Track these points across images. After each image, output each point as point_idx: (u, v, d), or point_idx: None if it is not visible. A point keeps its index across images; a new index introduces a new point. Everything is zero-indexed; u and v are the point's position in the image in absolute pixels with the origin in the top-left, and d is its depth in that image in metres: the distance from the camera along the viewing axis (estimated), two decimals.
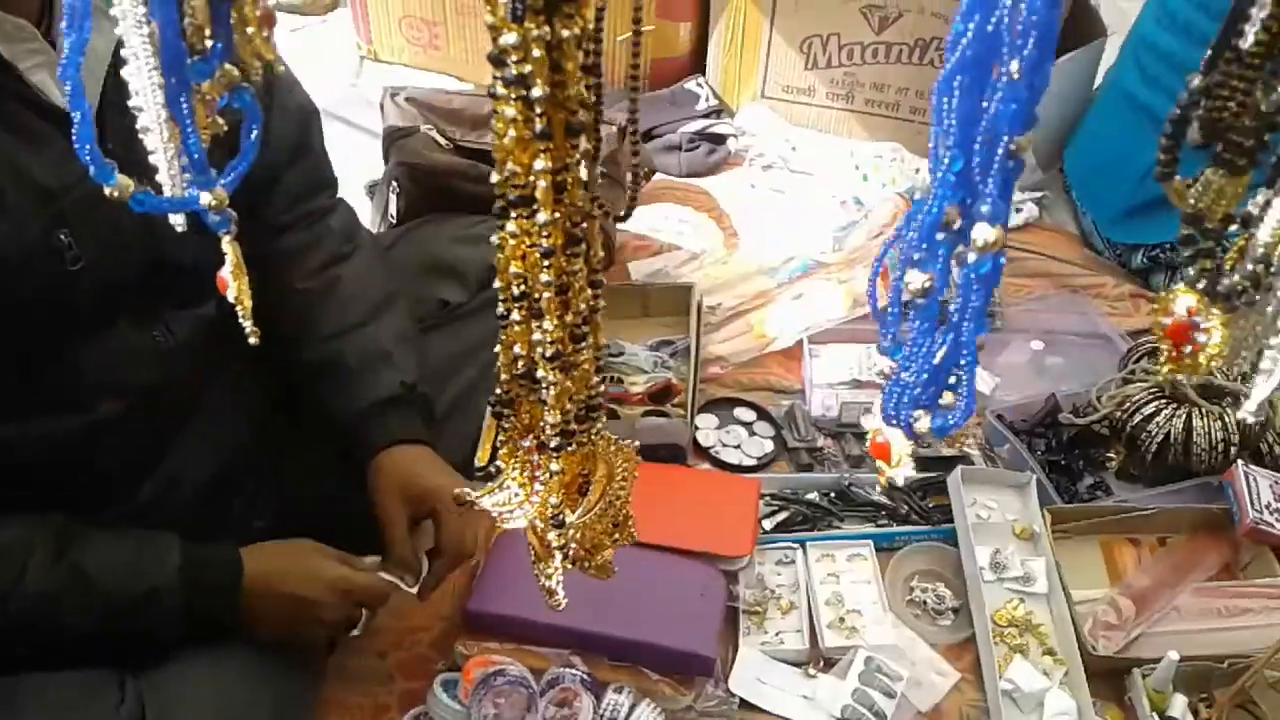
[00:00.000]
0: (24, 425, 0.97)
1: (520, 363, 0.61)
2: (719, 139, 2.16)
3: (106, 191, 0.45)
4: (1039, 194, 2.09)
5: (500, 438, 0.66)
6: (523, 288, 0.58)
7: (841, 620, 1.34)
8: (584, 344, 0.61)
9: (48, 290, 0.93)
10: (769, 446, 1.60)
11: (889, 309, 0.56)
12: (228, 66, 0.46)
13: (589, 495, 0.67)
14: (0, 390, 0.95)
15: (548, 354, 0.59)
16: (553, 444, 0.63)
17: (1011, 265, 1.89)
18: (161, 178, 0.47)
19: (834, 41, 2.12)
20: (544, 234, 0.55)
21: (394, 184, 1.59)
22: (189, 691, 1.02)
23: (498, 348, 0.61)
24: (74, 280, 0.94)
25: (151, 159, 0.47)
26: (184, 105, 0.44)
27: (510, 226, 0.56)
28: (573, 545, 0.69)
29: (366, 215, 1.76)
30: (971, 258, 0.47)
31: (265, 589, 1.06)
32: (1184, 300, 0.55)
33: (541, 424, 0.63)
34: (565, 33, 0.49)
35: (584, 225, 0.58)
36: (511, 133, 0.52)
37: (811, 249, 1.85)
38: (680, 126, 2.16)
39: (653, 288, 1.78)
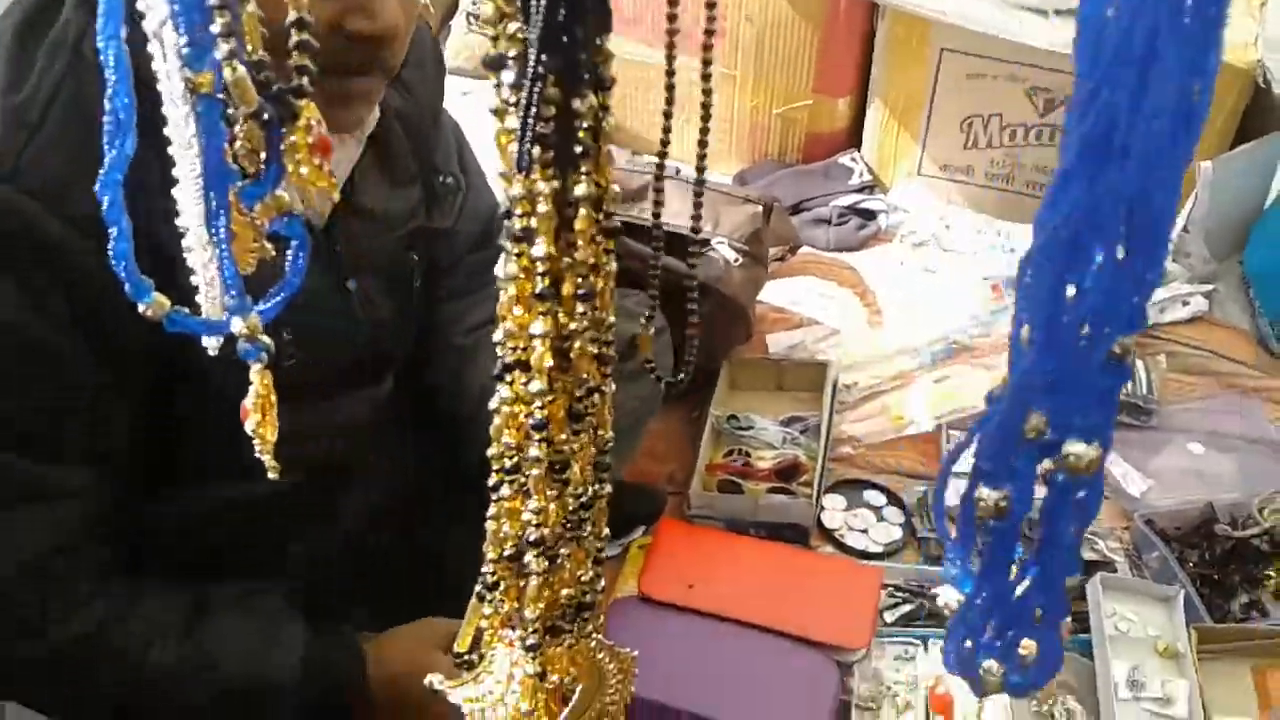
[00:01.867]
0: (217, 491, 1.01)
1: (509, 543, 0.55)
2: (870, 214, 2.13)
3: (140, 308, 0.44)
4: (1209, 286, 1.97)
5: (484, 624, 0.60)
6: (514, 459, 0.53)
7: None
8: (581, 532, 0.56)
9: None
10: (897, 534, 1.55)
11: (959, 528, 0.44)
12: (279, 193, 0.46)
13: (574, 701, 0.62)
14: (200, 461, 1.00)
15: (531, 538, 0.54)
16: (528, 642, 0.57)
17: (1174, 360, 1.80)
18: (201, 298, 0.47)
19: (995, 122, 2.07)
20: (538, 405, 0.50)
21: None
22: None
23: (489, 521, 0.56)
24: (280, 374, 0.98)
25: (193, 279, 0.47)
26: (221, 227, 0.44)
27: (504, 391, 0.52)
28: None
29: None
30: (1061, 479, 0.38)
31: (389, 690, 1.04)
32: None
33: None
34: (579, 190, 0.46)
35: (592, 400, 0.52)
36: (511, 289, 0.49)
37: (958, 332, 1.79)
38: (831, 200, 2.14)
39: (788, 362, 1.76)
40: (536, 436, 0.51)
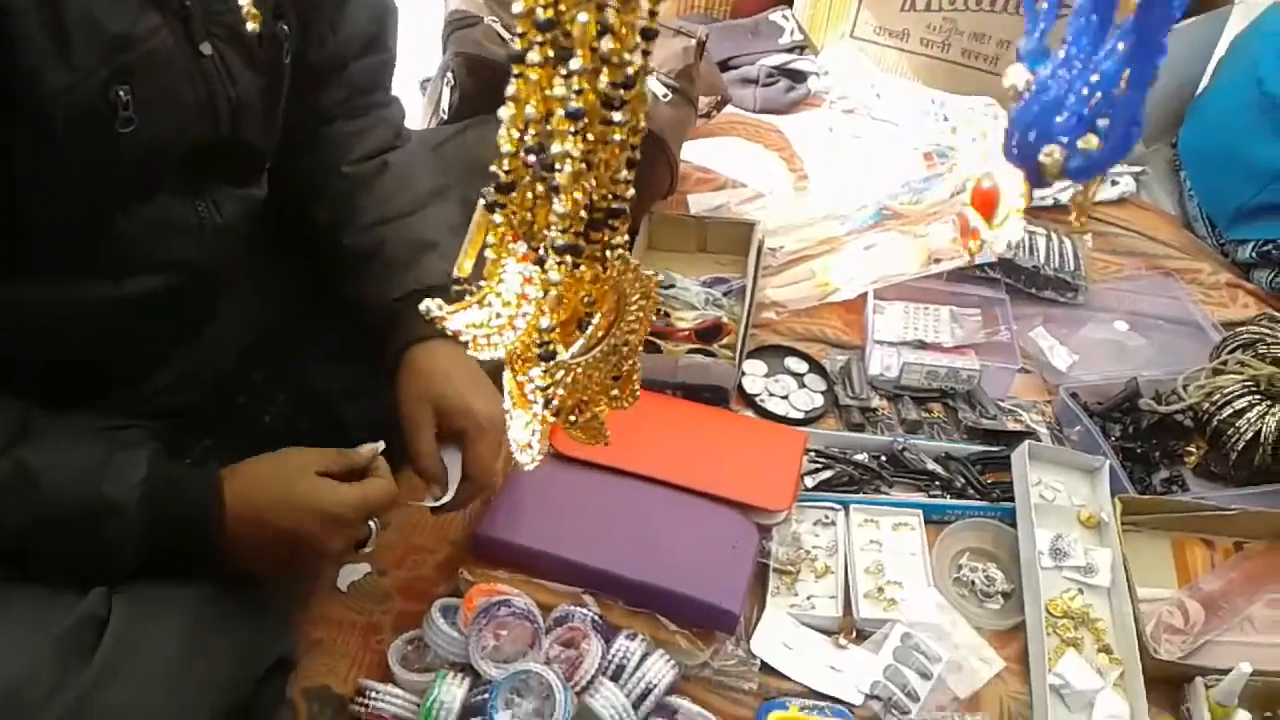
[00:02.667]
0: (59, 289, 0.90)
1: (532, 131, 0.46)
2: (799, 76, 2.03)
3: None
4: (1139, 169, 1.94)
5: (490, 239, 0.51)
6: (550, 13, 0.43)
7: (880, 591, 1.24)
8: (623, 111, 0.46)
9: (93, 148, 0.85)
10: (819, 401, 1.49)
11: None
12: None
13: (590, 329, 0.53)
14: (40, 251, 0.89)
15: (570, 108, 0.44)
16: (558, 244, 0.49)
17: (1100, 240, 1.77)
18: None
19: None
20: None
21: (449, 76, 1.48)
22: (163, 601, 0.91)
23: (502, 108, 0.46)
24: (120, 142, 0.85)
25: None
26: None
27: None
28: (560, 390, 0.55)
29: (418, 114, 1.66)
30: None
31: (251, 527, 0.93)
32: None
33: (548, 225, 0.48)
34: None
35: None
36: None
37: (889, 199, 1.72)
38: (759, 59, 2.03)
39: (712, 221, 1.67)
40: None
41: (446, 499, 1.06)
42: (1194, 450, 1.43)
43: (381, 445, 1.02)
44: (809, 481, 1.35)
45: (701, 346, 1.46)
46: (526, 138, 0.45)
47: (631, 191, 0.51)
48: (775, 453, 1.33)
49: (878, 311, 1.58)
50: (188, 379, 1.07)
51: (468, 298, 0.53)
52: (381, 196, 1.14)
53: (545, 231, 0.48)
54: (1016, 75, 0.44)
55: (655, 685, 1.09)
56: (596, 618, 1.12)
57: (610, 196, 0.49)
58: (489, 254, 0.51)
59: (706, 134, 1.91)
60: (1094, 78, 0.41)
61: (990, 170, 0.55)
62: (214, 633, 0.93)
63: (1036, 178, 0.45)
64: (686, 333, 1.49)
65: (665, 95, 1.48)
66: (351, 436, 1.03)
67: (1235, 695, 1.10)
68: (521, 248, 0.50)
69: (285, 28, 0.99)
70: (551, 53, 0.44)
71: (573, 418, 0.58)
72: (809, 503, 1.32)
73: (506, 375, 0.56)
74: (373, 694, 1.08)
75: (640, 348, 0.59)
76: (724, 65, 2.01)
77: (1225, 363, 1.44)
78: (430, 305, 0.57)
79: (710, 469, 1.28)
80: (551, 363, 0.51)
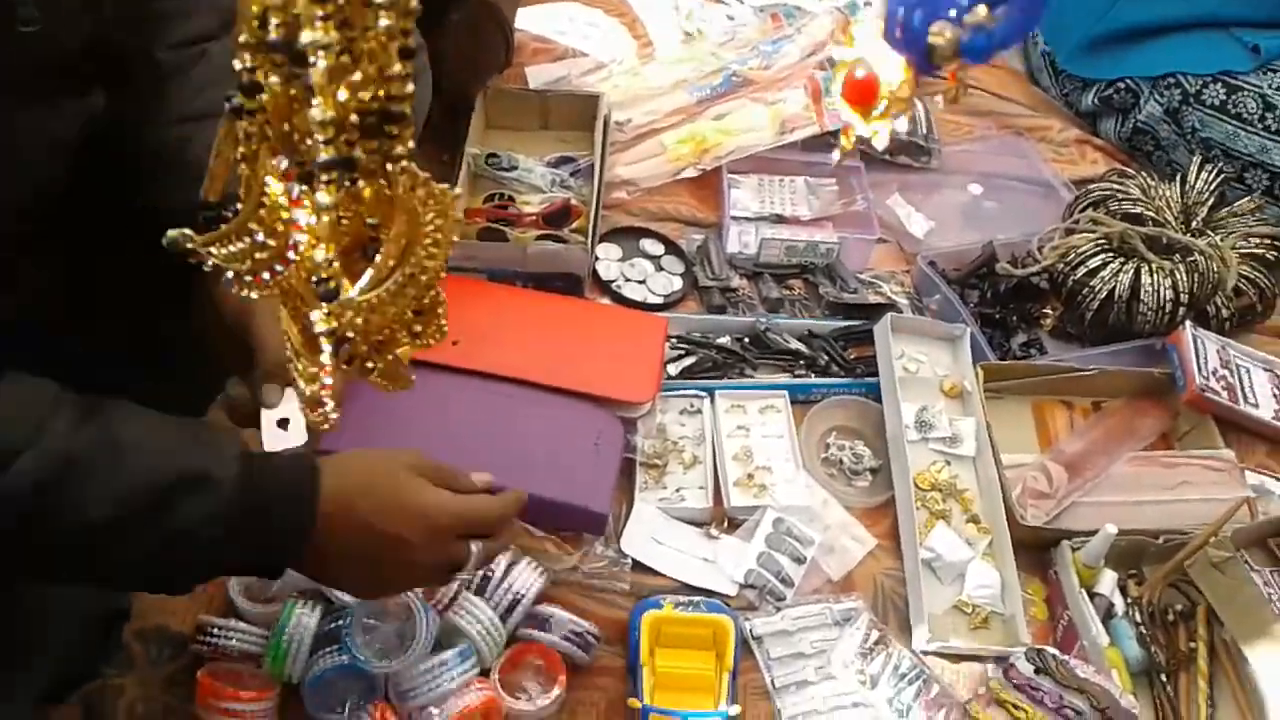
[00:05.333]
0: None
1: (276, 15, 0.36)
2: None
3: None
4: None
5: (240, 152, 0.42)
6: None
7: (750, 478, 1.20)
8: None
9: None
10: (677, 284, 1.43)
11: None
12: None
13: (378, 259, 0.44)
14: None
15: None
16: (322, 159, 0.40)
17: (947, 101, 1.72)
18: None
19: None
20: None
21: None
22: None
23: None
24: (23, 42, 0.76)
25: None
26: None
27: None
28: (349, 333, 0.46)
29: None
30: None
31: (345, 520, 0.80)
32: None
33: (308, 136, 0.39)
34: None
35: None
36: None
37: (738, 63, 1.63)
38: None
39: (553, 96, 1.56)
40: None
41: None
42: (1050, 312, 1.43)
43: (490, 478, 0.92)
44: (672, 369, 1.29)
45: (550, 232, 1.37)
46: (270, 24, 0.34)
47: (411, 88, 0.41)
48: (635, 341, 1.26)
49: (733, 186, 1.52)
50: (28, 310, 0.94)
51: (224, 226, 0.42)
52: (194, 88, 0.99)
53: (307, 143, 0.37)
54: None
55: (524, 595, 1.03)
56: None
57: (383, 97, 0.39)
58: (243, 171, 0.41)
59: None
60: None
61: (862, 56, 0.47)
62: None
63: (924, 61, 0.39)
64: (533, 218, 1.39)
65: None
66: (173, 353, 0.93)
67: (1101, 556, 1.11)
68: (283, 163, 0.39)
69: None
70: None
71: (369, 364, 0.48)
72: (673, 392, 1.26)
73: (284, 318, 0.46)
74: (215, 630, 0.99)
75: (443, 274, 0.50)
76: None
77: (1078, 222, 1.43)
78: (176, 236, 0.46)
79: (567, 363, 1.20)
80: (335, 303, 0.42)
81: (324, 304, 0.44)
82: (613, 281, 1.41)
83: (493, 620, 1.01)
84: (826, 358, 1.33)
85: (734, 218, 1.47)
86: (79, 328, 1.03)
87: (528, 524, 1.08)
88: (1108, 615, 1.11)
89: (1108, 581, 1.13)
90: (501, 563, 1.03)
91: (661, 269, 1.45)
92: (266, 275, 0.42)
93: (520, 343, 1.22)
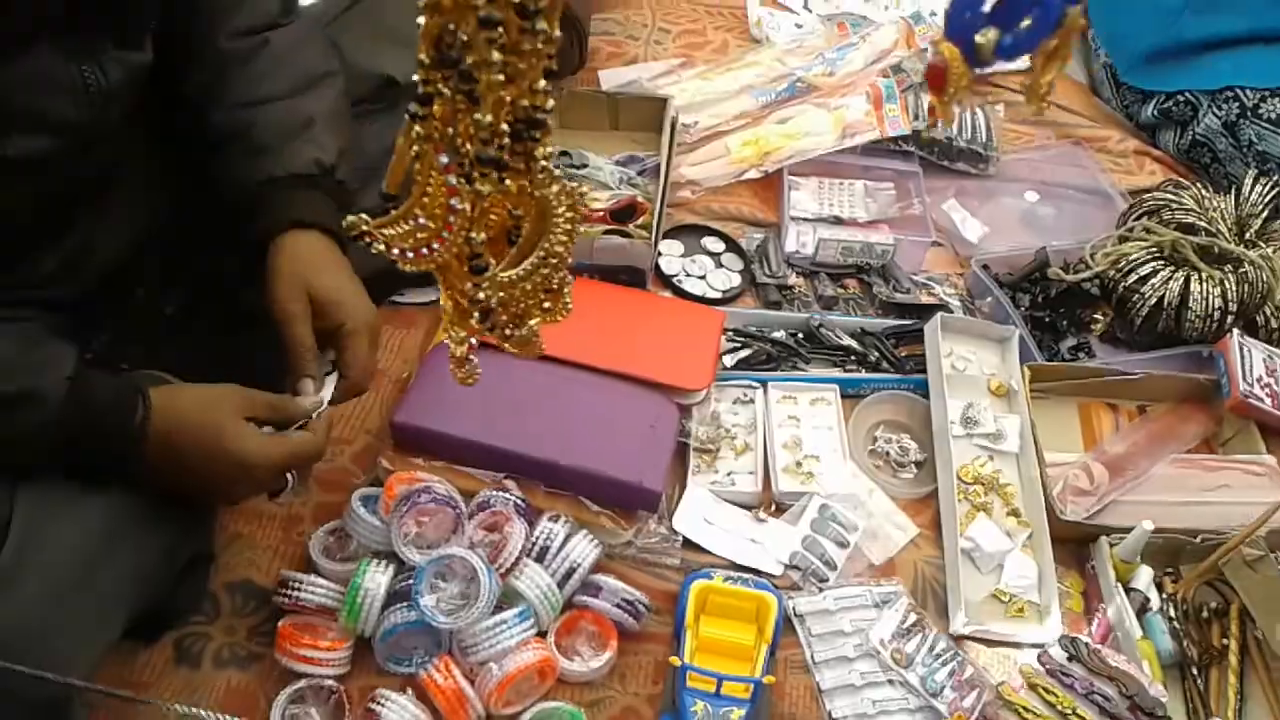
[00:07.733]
0: None
1: (449, 41, 0.45)
2: None
3: None
4: None
5: (414, 150, 0.50)
6: None
7: (798, 465, 1.25)
8: (535, 20, 0.45)
9: None
10: (736, 280, 1.49)
11: None
12: None
13: (519, 243, 0.52)
14: None
15: (482, 14, 0.43)
16: (480, 156, 0.48)
17: (1011, 111, 1.76)
18: None
19: None
20: None
21: None
22: (71, 501, 0.88)
23: (419, 15, 0.45)
24: None
25: None
26: None
27: None
28: (494, 303, 0.54)
29: None
30: None
31: (167, 452, 0.89)
32: None
33: (469, 138, 0.47)
34: None
35: None
36: None
37: (803, 70, 1.69)
38: None
39: (624, 98, 1.63)
40: None
41: (324, 399, 1.00)
42: (1100, 318, 1.46)
43: (325, 402, 0.98)
44: (727, 360, 1.35)
45: (617, 227, 1.44)
46: (443, 45, 0.43)
47: (552, 103, 0.50)
48: (693, 332, 1.33)
49: (793, 188, 1.57)
50: (74, 266, 1.00)
51: (393, 212, 0.51)
52: (256, 75, 1.07)
53: (467, 145, 0.46)
54: None
55: (580, 564, 1.10)
56: (519, 502, 1.11)
57: (530, 107, 0.47)
58: (416, 170, 0.50)
59: (616, 6, 1.85)
60: None
61: (926, 47, 0.55)
62: (131, 528, 0.91)
63: (974, 58, 0.46)
64: (601, 213, 1.46)
65: None
66: (255, 327, 0.99)
67: (1138, 552, 1.15)
68: (445, 160, 0.48)
69: None
70: None
71: (508, 331, 0.57)
72: (728, 381, 1.32)
73: (443, 290, 0.55)
74: (295, 584, 1.07)
75: (570, 259, 0.58)
76: None
77: (1131, 230, 1.46)
78: (356, 221, 0.55)
79: (629, 350, 1.27)
80: (483, 276, 0.50)
81: (474, 275, 0.51)
82: (674, 276, 1.47)
83: (550, 586, 1.08)
84: (877, 354, 1.38)
85: (793, 218, 1.53)
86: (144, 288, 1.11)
87: (586, 498, 1.14)
88: (1142, 609, 1.14)
89: (1144, 577, 1.16)
90: (560, 533, 1.10)
91: (721, 265, 1.51)
92: (425, 250, 0.50)
93: (585, 330, 1.28)
